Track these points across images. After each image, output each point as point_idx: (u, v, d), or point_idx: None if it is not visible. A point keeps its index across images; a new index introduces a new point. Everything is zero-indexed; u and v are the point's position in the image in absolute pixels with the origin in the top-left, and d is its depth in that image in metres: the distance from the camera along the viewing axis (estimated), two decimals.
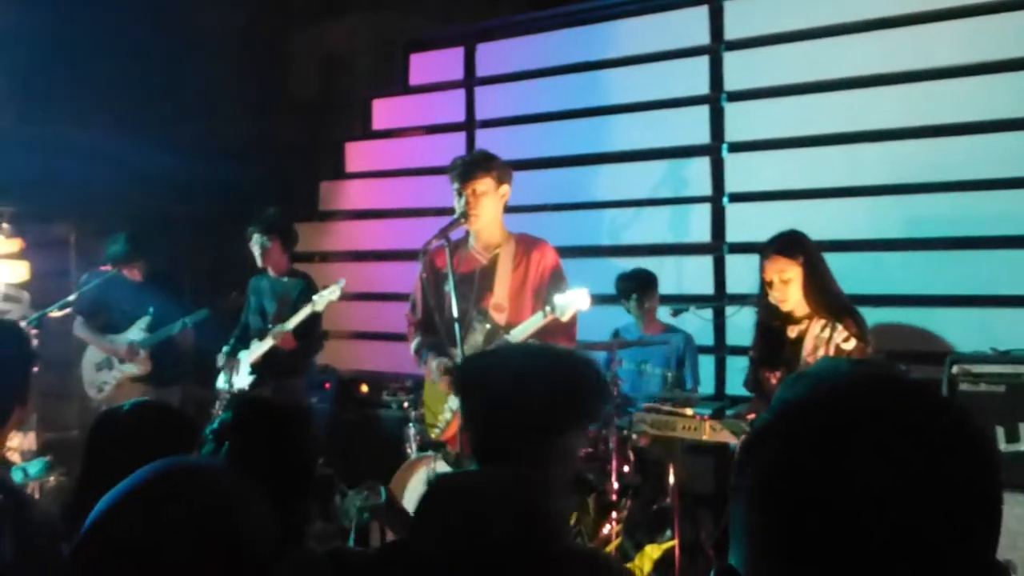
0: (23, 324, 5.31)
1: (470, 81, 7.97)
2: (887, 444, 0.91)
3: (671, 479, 4.91)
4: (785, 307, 4.36)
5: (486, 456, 2.14)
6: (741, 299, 5.33)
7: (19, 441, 6.10)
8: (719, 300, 6.34)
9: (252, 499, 1.40)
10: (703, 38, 6.70)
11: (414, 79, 8.38)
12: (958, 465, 0.92)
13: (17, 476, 4.70)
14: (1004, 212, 5.52)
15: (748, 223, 6.27)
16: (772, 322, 4.46)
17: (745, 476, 0.97)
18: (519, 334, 4.47)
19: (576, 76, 7.35)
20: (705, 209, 6.59)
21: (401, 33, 8.66)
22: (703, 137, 6.63)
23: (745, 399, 4.96)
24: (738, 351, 5.86)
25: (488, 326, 4.59)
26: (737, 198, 6.50)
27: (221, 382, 6.05)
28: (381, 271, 7.96)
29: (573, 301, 4.38)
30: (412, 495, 5.19)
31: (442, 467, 5.01)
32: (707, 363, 6.09)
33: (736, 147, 6.53)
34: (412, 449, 5.68)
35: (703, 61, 6.68)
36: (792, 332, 4.40)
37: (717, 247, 6.54)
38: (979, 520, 0.92)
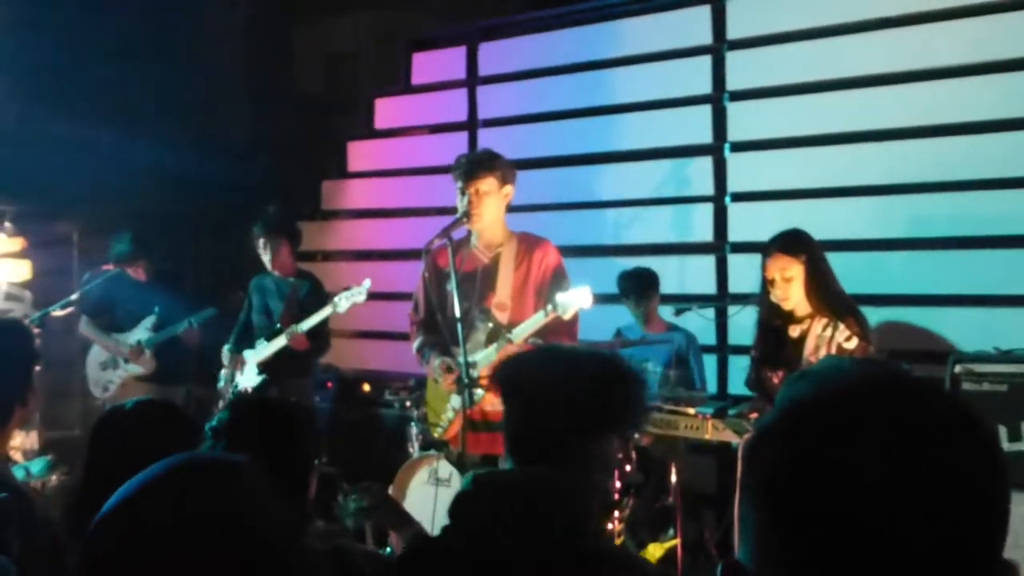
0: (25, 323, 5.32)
1: (473, 80, 7.97)
2: (892, 444, 0.91)
3: (673, 478, 4.91)
4: (787, 306, 4.36)
5: (524, 457, 2.10)
6: (743, 298, 5.33)
7: (21, 440, 6.12)
8: (721, 299, 6.34)
9: (268, 493, 1.40)
10: (706, 38, 6.70)
11: (417, 78, 8.38)
12: (964, 465, 0.92)
13: (19, 475, 4.70)
14: (1006, 212, 5.52)
15: (750, 222, 6.27)
16: (774, 321, 4.46)
17: (751, 475, 0.97)
18: (521, 333, 4.47)
19: (579, 75, 7.35)
20: (707, 208, 6.59)
21: (404, 32, 8.66)
22: (705, 137, 6.63)
23: (747, 398, 4.95)
24: (740, 350, 5.87)
25: (490, 325, 4.59)
26: (739, 197, 6.50)
27: (223, 381, 6.05)
28: (383, 270, 7.96)
29: (575, 299, 4.38)
30: (414, 494, 5.20)
31: (444, 466, 5.01)
32: (709, 362, 6.09)
33: (738, 147, 6.53)
34: (414, 448, 5.70)
35: (706, 61, 6.68)
36: (794, 331, 4.40)
37: (719, 246, 6.54)
38: (985, 519, 0.92)
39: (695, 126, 6.68)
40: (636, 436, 5.04)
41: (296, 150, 8.87)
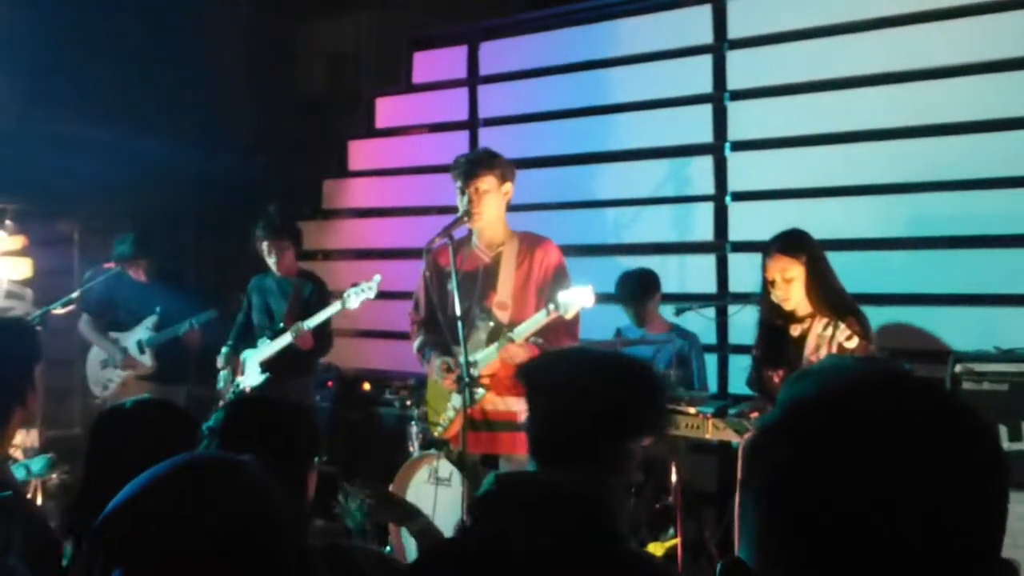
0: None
1: (473, 80, 7.97)
2: (893, 443, 0.91)
3: (674, 477, 4.91)
4: (788, 306, 4.36)
5: (548, 457, 2.08)
6: (744, 298, 5.33)
7: (22, 438, 6.11)
8: (722, 299, 6.33)
9: (273, 492, 1.40)
10: (706, 37, 6.70)
11: (418, 77, 8.38)
12: (965, 463, 0.92)
13: (19, 473, 4.70)
14: (1007, 211, 5.51)
15: (751, 222, 6.27)
16: (775, 321, 4.46)
17: (753, 474, 0.97)
18: (522, 332, 4.47)
19: (579, 75, 7.35)
20: (708, 208, 6.58)
21: (405, 32, 8.66)
22: (706, 136, 6.63)
23: (748, 397, 4.95)
24: (741, 350, 5.86)
25: (491, 324, 4.59)
26: (740, 197, 6.49)
27: (222, 382, 6.04)
28: (384, 269, 7.90)
29: (577, 298, 4.38)
30: (415, 493, 5.20)
31: (445, 465, 5.01)
32: (710, 362, 6.08)
33: (739, 146, 6.52)
34: (415, 447, 5.69)
35: (706, 60, 6.68)
36: (795, 331, 4.40)
37: (720, 246, 6.53)
38: (986, 518, 0.92)
39: (696, 125, 6.68)
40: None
41: (297, 149, 8.87)
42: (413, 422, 5.86)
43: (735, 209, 6.48)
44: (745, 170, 6.47)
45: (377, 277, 5.64)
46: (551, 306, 4.40)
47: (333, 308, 5.67)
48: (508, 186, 4.67)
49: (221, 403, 5.72)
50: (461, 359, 4.32)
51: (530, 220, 5.82)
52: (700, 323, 5.80)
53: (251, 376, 5.86)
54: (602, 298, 4.58)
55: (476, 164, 4.63)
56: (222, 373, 6.05)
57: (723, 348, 6.34)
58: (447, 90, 8.15)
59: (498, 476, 1.95)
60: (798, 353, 4.33)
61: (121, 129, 7.41)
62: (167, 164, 7.43)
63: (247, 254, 6.30)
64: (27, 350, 3.06)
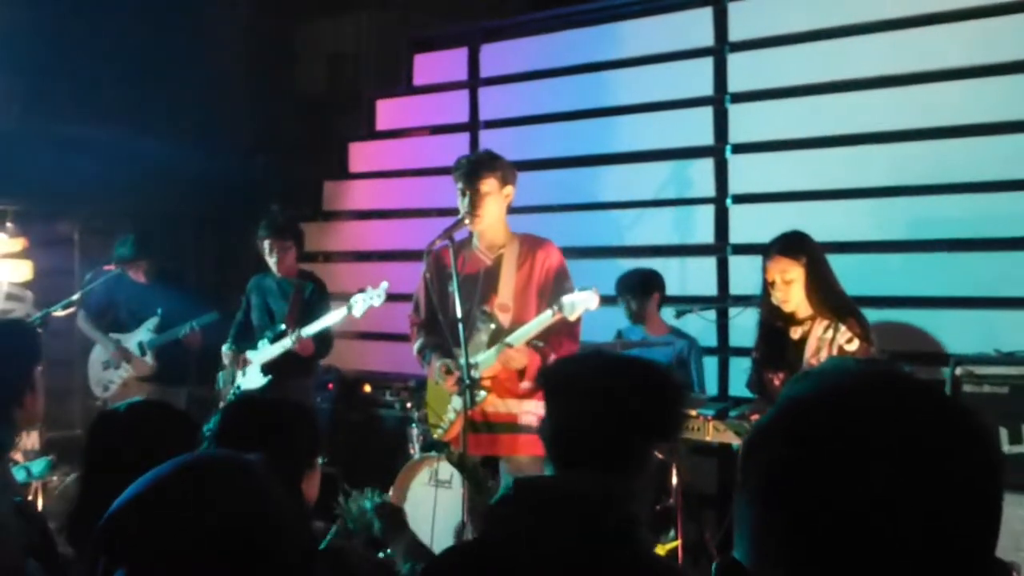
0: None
1: (474, 81, 7.97)
2: (893, 442, 0.91)
3: (674, 479, 4.91)
4: (788, 308, 4.36)
5: (566, 460, 2.07)
6: (744, 300, 5.33)
7: (22, 440, 6.11)
8: (722, 301, 6.33)
9: (278, 492, 1.40)
10: (707, 39, 6.70)
11: (418, 79, 8.38)
12: (959, 463, 0.92)
13: (20, 475, 4.70)
14: (1008, 214, 5.51)
15: (751, 224, 6.27)
16: (775, 323, 4.46)
17: (749, 473, 0.97)
18: (523, 335, 4.47)
19: (580, 77, 7.35)
20: (708, 210, 6.58)
21: (405, 33, 8.66)
22: (707, 138, 6.63)
23: (748, 400, 4.95)
24: (741, 352, 5.86)
25: (492, 326, 4.59)
26: (740, 199, 6.49)
27: (222, 382, 6.04)
28: (385, 271, 7.94)
29: (582, 301, 4.38)
30: (415, 495, 5.20)
31: (445, 467, 5.02)
32: (710, 364, 6.09)
33: (739, 148, 6.52)
34: (415, 449, 5.70)
35: (707, 62, 6.68)
36: (795, 333, 4.40)
37: (720, 248, 6.53)
38: (982, 518, 0.93)
39: (696, 128, 6.68)
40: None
41: (297, 150, 8.87)
42: (413, 424, 5.87)
43: (736, 211, 6.48)
44: (746, 172, 6.47)
45: (384, 284, 5.62)
46: (555, 307, 4.39)
47: (339, 315, 5.66)
48: (509, 188, 4.66)
49: (221, 404, 5.74)
50: (462, 361, 4.32)
51: (531, 222, 5.82)
52: (701, 325, 5.80)
53: (252, 378, 5.86)
54: (602, 300, 4.57)
55: (477, 166, 4.63)
56: (222, 373, 6.05)
57: (724, 350, 6.34)
58: (448, 92, 8.15)
59: (517, 480, 1.93)
60: (798, 355, 4.33)
61: (121, 130, 7.41)
62: (167, 165, 7.43)
63: (247, 254, 6.30)
64: (26, 351, 3.06)
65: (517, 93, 7.71)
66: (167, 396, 6.04)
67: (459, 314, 4.38)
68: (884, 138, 5.94)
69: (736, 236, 6.45)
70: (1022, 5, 5.54)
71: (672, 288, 6.05)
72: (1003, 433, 4.34)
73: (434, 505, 4.95)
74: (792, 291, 4.31)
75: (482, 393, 4.47)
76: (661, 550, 4.78)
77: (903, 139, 5.90)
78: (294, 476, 2.35)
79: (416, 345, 4.89)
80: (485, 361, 4.51)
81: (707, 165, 6.61)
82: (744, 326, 5.19)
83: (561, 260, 4.72)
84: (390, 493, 5.28)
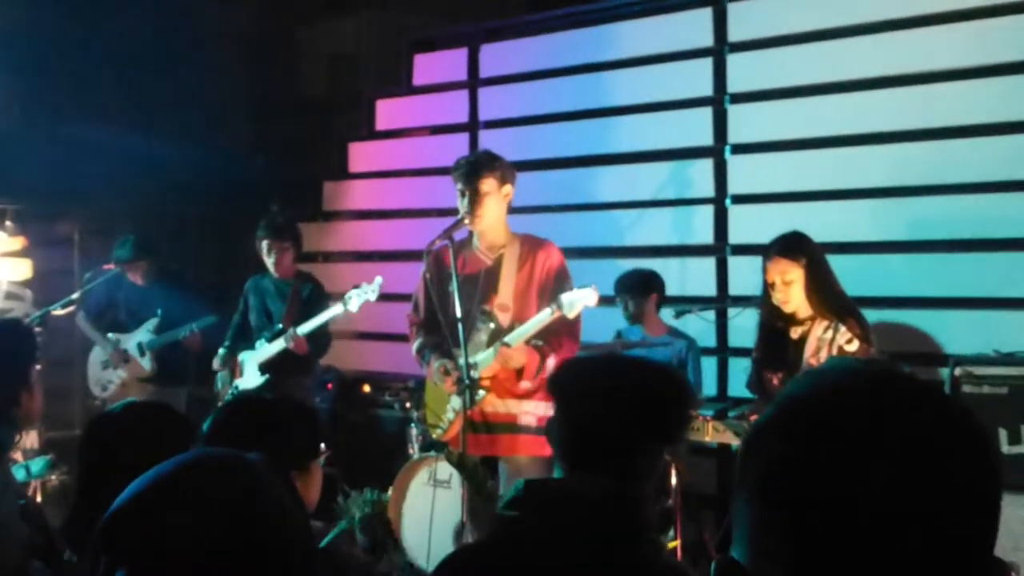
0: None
1: (474, 82, 7.97)
2: (890, 442, 0.91)
3: (674, 480, 4.91)
4: (787, 308, 4.36)
5: (576, 464, 2.05)
6: (744, 301, 5.33)
7: (22, 439, 6.11)
8: (722, 302, 6.33)
9: (280, 490, 1.39)
10: (707, 40, 6.70)
11: (418, 79, 8.38)
12: (959, 463, 0.92)
13: (19, 474, 4.70)
14: (1007, 214, 5.51)
15: (751, 225, 6.27)
16: (775, 323, 4.46)
17: (747, 471, 0.97)
18: (521, 334, 4.47)
19: (580, 77, 7.35)
20: (708, 211, 6.58)
21: (405, 34, 8.66)
22: (706, 139, 6.63)
23: (748, 400, 4.96)
24: (741, 352, 5.86)
25: (492, 326, 4.59)
26: (740, 200, 6.49)
27: (220, 383, 6.04)
28: (384, 272, 7.93)
29: (581, 298, 4.37)
30: (414, 495, 5.20)
31: (444, 468, 5.02)
32: (710, 364, 6.08)
33: (739, 149, 6.52)
34: (414, 449, 5.70)
35: (706, 63, 6.68)
36: (795, 333, 4.40)
37: (720, 248, 6.53)
38: (979, 518, 0.93)
39: (696, 128, 6.68)
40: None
41: (297, 151, 8.87)
42: (413, 424, 5.87)
43: (735, 212, 6.48)
44: (745, 173, 6.47)
45: (379, 279, 5.64)
46: (555, 305, 4.39)
47: (334, 311, 5.66)
48: (509, 188, 4.66)
49: (220, 404, 5.74)
50: (461, 361, 4.32)
51: (531, 222, 5.82)
52: (700, 326, 5.80)
53: (250, 378, 5.86)
54: (602, 301, 4.57)
55: (477, 166, 4.63)
56: (220, 374, 6.05)
57: (723, 351, 6.34)
58: (448, 92, 8.15)
59: (528, 481, 1.91)
60: (798, 356, 4.33)
61: (121, 130, 7.42)
62: (168, 165, 7.44)
63: (248, 255, 6.29)
64: (22, 350, 3.06)
65: (517, 93, 7.71)
66: (167, 397, 6.04)
67: (459, 314, 4.38)
68: (883, 139, 5.95)
69: (735, 236, 6.45)
70: (1021, 6, 5.54)
71: (671, 288, 6.05)
72: (1002, 434, 4.34)
73: (433, 505, 4.95)
74: (792, 292, 4.31)
75: (481, 393, 4.47)
76: None
77: (902, 140, 5.90)
78: (297, 475, 2.34)
79: (415, 345, 4.89)
80: (484, 361, 4.51)
81: (706, 165, 6.61)
82: (743, 326, 5.20)
83: (561, 260, 4.72)
84: (389, 493, 5.29)
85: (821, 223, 5.38)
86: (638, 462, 2.04)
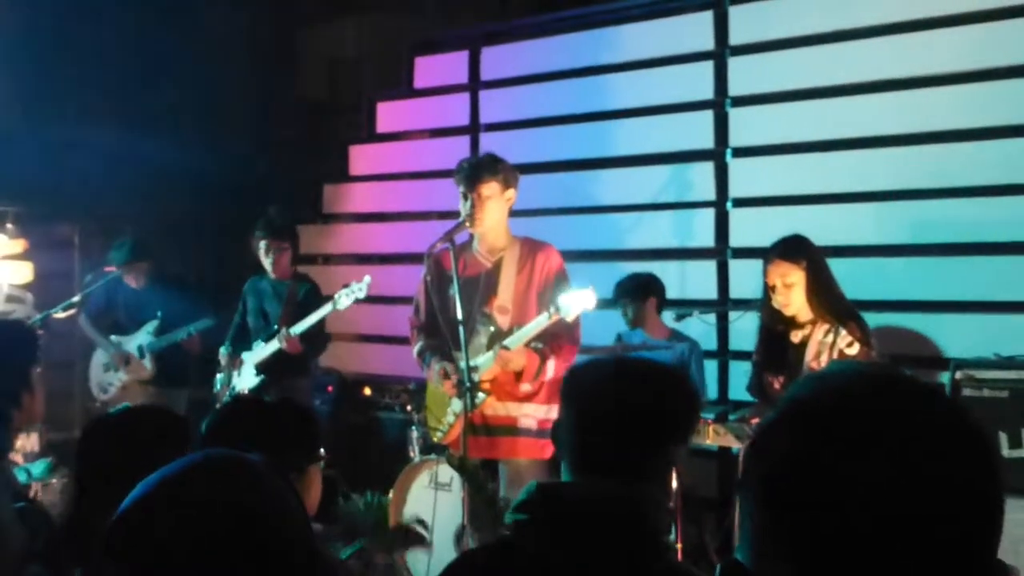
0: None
1: (475, 84, 7.97)
2: (893, 444, 0.91)
3: (674, 482, 4.90)
4: (788, 312, 4.36)
5: (585, 468, 2.03)
6: (744, 304, 5.33)
7: (22, 442, 6.11)
8: (722, 305, 6.34)
9: (284, 492, 1.40)
10: (708, 43, 6.70)
11: (419, 82, 8.38)
12: (961, 465, 0.92)
13: (21, 477, 4.70)
14: (1009, 218, 5.51)
15: (752, 228, 6.27)
16: (775, 326, 4.46)
17: (751, 473, 0.97)
18: (520, 337, 4.47)
19: (581, 80, 7.35)
20: (709, 214, 6.58)
21: (406, 36, 8.66)
22: (707, 142, 6.63)
23: (748, 403, 4.95)
24: (741, 355, 5.86)
25: (492, 329, 4.59)
26: (741, 203, 6.49)
27: (219, 384, 6.05)
28: (385, 274, 7.95)
29: (578, 301, 4.36)
30: (415, 498, 5.20)
31: (445, 470, 5.01)
32: (710, 367, 6.08)
33: (740, 152, 6.52)
34: (415, 452, 5.69)
35: (708, 66, 6.68)
36: (795, 336, 4.40)
37: (720, 251, 6.53)
38: (982, 520, 0.93)
39: (697, 131, 6.68)
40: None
41: (298, 153, 8.87)
42: (413, 427, 5.86)
43: (736, 215, 6.49)
44: (746, 176, 6.47)
45: (367, 278, 5.63)
46: (552, 309, 4.39)
47: (323, 310, 5.67)
48: (511, 192, 4.66)
49: (219, 405, 5.74)
50: (461, 364, 4.32)
51: (531, 225, 5.82)
52: (701, 329, 5.81)
53: (246, 379, 5.87)
54: (602, 304, 4.57)
55: (480, 169, 4.62)
56: (219, 375, 6.05)
57: (724, 354, 6.34)
58: (449, 95, 8.15)
59: (540, 485, 1.89)
60: (799, 359, 4.33)
61: (122, 133, 7.41)
62: (168, 168, 7.43)
63: (248, 257, 6.29)
64: (24, 352, 3.06)
65: (518, 96, 7.71)
66: (168, 399, 6.06)
67: (460, 317, 4.38)
68: (885, 142, 5.95)
69: (736, 240, 6.45)
70: (1022, 9, 5.54)
71: (672, 291, 6.05)
72: (1002, 437, 4.34)
73: (434, 508, 4.95)
74: (793, 295, 4.31)
75: (482, 395, 4.47)
76: None
77: (904, 143, 5.90)
78: (296, 476, 2.33)
79: (416, 348, 4.89)
80: (484, 364, 4.51)
81: (707, 169, 6.61)
82: (744, 329, 5.20)
83: (561, 263, 4.71)
84: (390, 496, 5.29)
85: (822, 226, 5.38)
86: (649, 465, 2.03)
